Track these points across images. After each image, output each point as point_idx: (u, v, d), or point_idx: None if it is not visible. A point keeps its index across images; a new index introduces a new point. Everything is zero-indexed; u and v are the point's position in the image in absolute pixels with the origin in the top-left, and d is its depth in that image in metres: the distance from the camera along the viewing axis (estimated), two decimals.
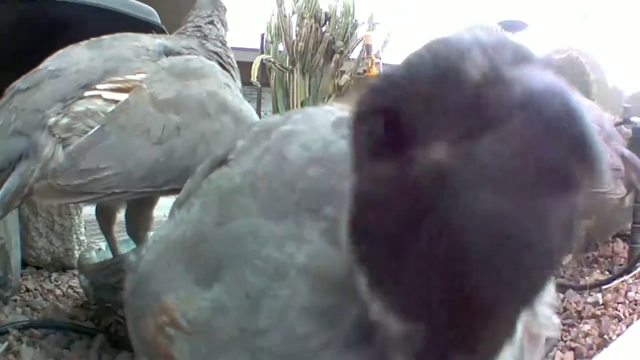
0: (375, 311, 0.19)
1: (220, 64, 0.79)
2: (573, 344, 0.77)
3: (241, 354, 0.24)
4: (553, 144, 0.14)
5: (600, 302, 0.91)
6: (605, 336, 0.78)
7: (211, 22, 0.82)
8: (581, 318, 0.87)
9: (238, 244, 0.26)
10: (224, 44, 0.83)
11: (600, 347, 0.76)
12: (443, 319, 0.17)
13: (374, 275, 0.18)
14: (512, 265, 0.15)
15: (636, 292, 0.94)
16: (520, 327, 0.21)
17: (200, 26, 0.81)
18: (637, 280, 1.00)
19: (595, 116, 0.98)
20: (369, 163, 0.17)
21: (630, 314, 0.87)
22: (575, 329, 0.82)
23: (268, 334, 0.23)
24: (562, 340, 0.80)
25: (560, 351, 0.76)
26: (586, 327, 0.82)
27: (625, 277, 1.00)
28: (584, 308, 0.90)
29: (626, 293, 0.95)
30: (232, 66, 0.81)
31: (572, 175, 0.15)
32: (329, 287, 0.22)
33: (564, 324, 0.85)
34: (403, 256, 0.16)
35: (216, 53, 0.80)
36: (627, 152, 0.97)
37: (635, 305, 0.90)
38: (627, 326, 0.82)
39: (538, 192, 0.14)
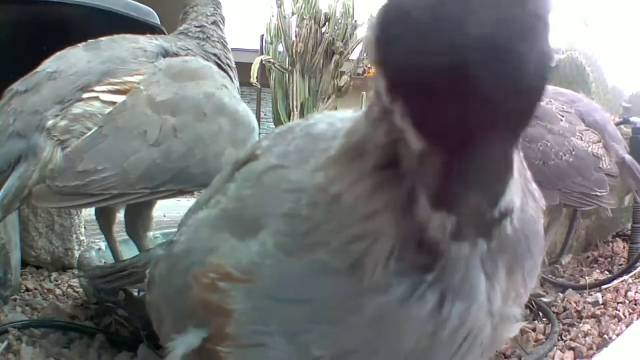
0: (398, 122, 0.21)
1: (219, 65, 0.79)
2: (573, 344, 0.77)
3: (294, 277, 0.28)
4: None
5: (600, 302, 0.91)
6: (605, 336, 0.78)
7: (215, 23, 0.82)
8: (581, 318, 0.87)
9: (276, 199, 0.30)
10: (224, 45, 0.83)
11: (600, 347, 0.75)
12: (455, 131, 0.20)
13: (399, 90, 0.21)
14: (504, 75, 0.19)
15: (636, 292, 0.94)
16: (517, 175, 0.24)
17: (204, 26, 0.81)
18: (637, 280, 1.00)
19: (598, 117, 0.98)
20: None
21: (630, 314, 0.87)
22: (575, 329, 0.82)
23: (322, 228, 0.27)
24: (562, 340, 0.79)
25: (560, 351, 0.76)
26: (586, 327, 0.81)
27: (625, 277, 0.99)
28: (584, 308, 0.90)
29: (626, 293, 0.94)
30: (230, 67, 0.81)
31: None
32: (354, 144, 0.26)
33: (564, 324, 0.85)
34: (423, 74, 0.20)
35: (215, 55, 0.80)
36: (628, 157, 0.96)
37: (635, 305, 0.90)
38: (627, 326, 0.82)
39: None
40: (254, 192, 0.33)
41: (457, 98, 0.19)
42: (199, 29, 0.80)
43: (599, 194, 0.89)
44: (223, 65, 0.80)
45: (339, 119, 0.34)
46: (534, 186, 0.30)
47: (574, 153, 0.90)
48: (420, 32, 0.20)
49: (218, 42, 0.81)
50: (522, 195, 0.26)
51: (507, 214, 0.23)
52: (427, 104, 0.20)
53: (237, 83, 0.80)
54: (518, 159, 0.25)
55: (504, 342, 0.31)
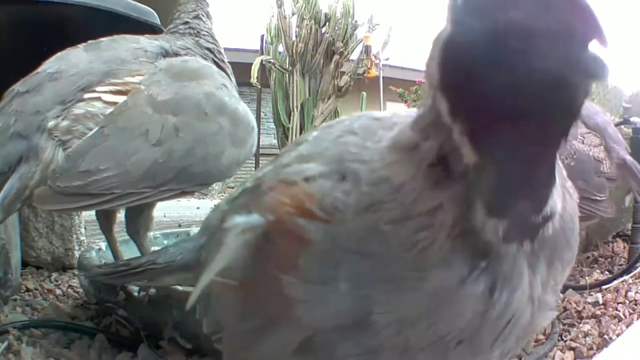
0: (457, 137, 0.25)
1: (216, 63, 0.79)
2: (573, 344, 0.77)
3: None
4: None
5: (600, 302, 0.91)
6: (605, 336, 0.78)
7: (197, 17, 0.82)
8: (581, 318, 0.87)
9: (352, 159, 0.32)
10: (214, 38, 0.83)
11: (600, 347, 0.76)
12: (508, 150, 0.24)
13: (460, 107, 0.24)
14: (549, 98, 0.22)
15: (636, 292, 0.94)
16: (557, 179, 0.28)
17: (188, 22, 0.81)
18: (637, 280, 1.00)
19: (599, 119, 0.98)
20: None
21: (630, 314, 0.87)
22: (575, 329, 0.82)
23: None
24: (562, 340, 0.79)
25: (560, 351, 0.76)
26: (586, 327, 0.82)
27: (625, 277, 0.99)
28: (584, 308, 0.90)
29: (626, 293, 0.94)
30: (225, 63, 0.82)
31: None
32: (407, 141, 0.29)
33: (564, 324, 0.85)
34: (481, 89, 0.23)
35: (210, 50, 0.80)
36: (628, 158, 0.96)
37: (635, 305, 0.90)
38: (627, 326, 0.82)
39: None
40: (332, 145, 0.35)
41: (513, 125, 0.23)
42: (185, 25, 0.81)
43: (598, 198, 0.89)
44: (219, 62, 0.80)
45: (398, 112, 0.37)
46: (569, 183, 0.33)
47: (575, 156, 0.90)
48: (484, 67, 0.23)
49: (207, 34, 0.81)
50: (562, 198, 0.29)
51: (550, 218, 0.27)
52: (485, 127, 0.24)
53: (234, 80, 0.80)
54: (556, 163, 0.28)
55: (539, 329, 0.34)
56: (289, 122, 3.72)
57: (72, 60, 0.65)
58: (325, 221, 0.30)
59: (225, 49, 0.85)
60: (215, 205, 0.53)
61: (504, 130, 0.23)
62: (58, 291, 0.94)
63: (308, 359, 0.32)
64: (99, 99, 0.63)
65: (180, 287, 0.64)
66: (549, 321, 0.34)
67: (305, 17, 3.47)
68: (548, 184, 0.26)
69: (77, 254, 1.05)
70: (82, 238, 1.09)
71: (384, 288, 0.29)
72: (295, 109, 3.67)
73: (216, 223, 0.47)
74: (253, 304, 0.34)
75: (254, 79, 3.49)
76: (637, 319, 0.84)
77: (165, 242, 0.97)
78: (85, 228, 1.11)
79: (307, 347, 0.32)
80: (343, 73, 3.66)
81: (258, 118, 4.08)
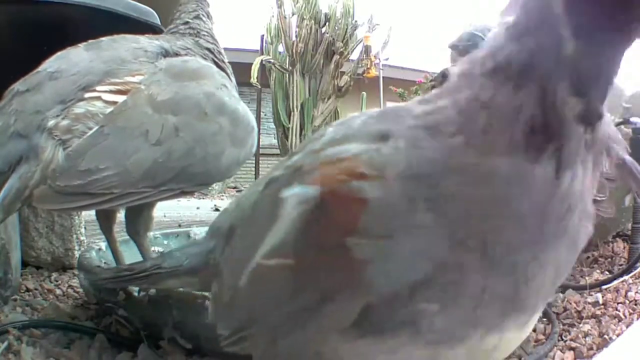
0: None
1: (216, 63, 0.79)
2: (573, 344, 0.77)
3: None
4: None
5: (600, 302, 0.91)
6: (605, 336, 0.78)
7: (197, 17, 0.83)
8: (581, 318, 0.87)
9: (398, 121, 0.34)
10: (214, 38, 0.83)
11: (600, 347, 0.76)
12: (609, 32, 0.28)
13: None
14: None
15: (636, 292, 0.94)
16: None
17: (188, 22, 0.81)
18: (637, 280, 1.00)
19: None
20: None
21: (630, 314, 0.87)
22: (575, 329, 0.82)
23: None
24: (562, 340, 0.80)
25: (560, 351, 0.76)
26: (586, 327, 0.82)
27: (625, 277, 0.99)
28: (584, 308, 0.90)
29: (626, 293, 0.94)
30: (225, 63, 0.82)
31: None
32: None
33: (564, 324, 0.85)
34: None
35: (210, 50, 0.80)
36: (628, 158, 0.96)
37: (635, 305, 0.90)
38: (627, 326, 0.82)
39: None
40: (364, 126, 0.36)
41: (621, 17, 0.28)
42: (185, 25, 0.81)
43: (598, 198, 0.89)
44: (218, 62, 0.80)
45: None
46: None
47: None
48: None
49: (208, 34, 0.82)
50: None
51: (601, 117, 0.31)
52: (596, 17, 0.28)
53: (234, 80, 0.80)
54: None
55: (587, 236, 0.36)
56: (289, 122, 3.72)
57: (73, 60, 0.65)
58: (377, 178, 0.31)
59: (225, 49, 0.85)
60: (223, 209, 0.52)
61: (611, 22, 0.28)
62: (58, 291, 0.94)
63: (365, 329, 0.32)
64: (99, 98, 0.63)
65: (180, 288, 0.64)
66: (591, 232, 0.36)
67: (305, 17, 3.47)
68: (612, 79, 0.31)
69: (77, 254, 1.05)
70: (82, 238, 1.09)
71: (462, 206, 0.30)
72: (295, 109, 3.67)
73: (226, 227, 0.46)
74: (309, 279, 0.33)
75: (254, 79, 3.49)
76: (637, 319, 0.84)
77: (165, 242, 0.97)
78: (85, 228, 1.11)
79: (366, 316, 0.32)
80: (343, 73, 3.67)
81: (258, 118, 4.08)
